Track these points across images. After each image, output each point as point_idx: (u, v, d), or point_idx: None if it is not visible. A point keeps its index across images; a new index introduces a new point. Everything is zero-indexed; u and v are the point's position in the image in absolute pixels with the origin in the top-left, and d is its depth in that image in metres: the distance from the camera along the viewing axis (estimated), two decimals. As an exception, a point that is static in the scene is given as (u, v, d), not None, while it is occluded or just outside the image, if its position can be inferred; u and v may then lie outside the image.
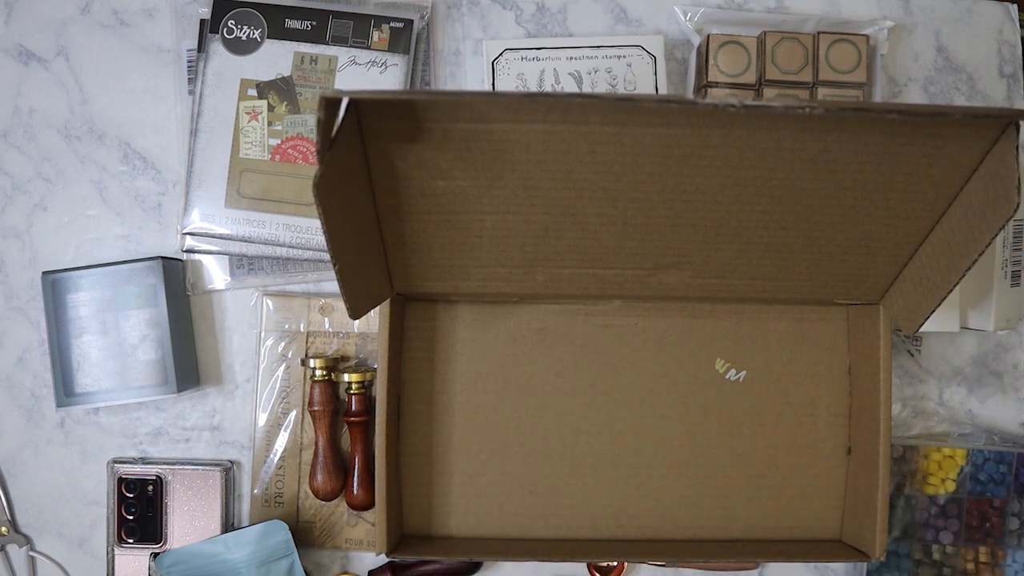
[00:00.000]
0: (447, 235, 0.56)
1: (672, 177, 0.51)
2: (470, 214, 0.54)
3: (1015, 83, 0.77)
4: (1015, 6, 0.77)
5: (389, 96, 0.47)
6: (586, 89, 0.71)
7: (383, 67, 0.70)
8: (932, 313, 0.56)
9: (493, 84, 0.71)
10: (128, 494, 0.71)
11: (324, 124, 0.41)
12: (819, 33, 0.70)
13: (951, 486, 0.72)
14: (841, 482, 0.68)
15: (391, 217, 0.54)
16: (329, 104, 0.41)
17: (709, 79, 0.70)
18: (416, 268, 0.59)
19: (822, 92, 0.70)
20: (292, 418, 0.72)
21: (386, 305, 0.61)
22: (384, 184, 0.52)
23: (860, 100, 0.71)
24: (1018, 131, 0.46)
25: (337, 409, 0.71)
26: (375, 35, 0.70)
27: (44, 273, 0.69)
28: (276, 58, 0.70)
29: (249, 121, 0.70)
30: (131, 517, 0.71)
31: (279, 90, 0.70)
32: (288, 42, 0.70)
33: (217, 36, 0.70)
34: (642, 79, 0.71)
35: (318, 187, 0.42)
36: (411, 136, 0.48)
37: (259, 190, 0.70)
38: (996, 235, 0.48)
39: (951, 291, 0.53)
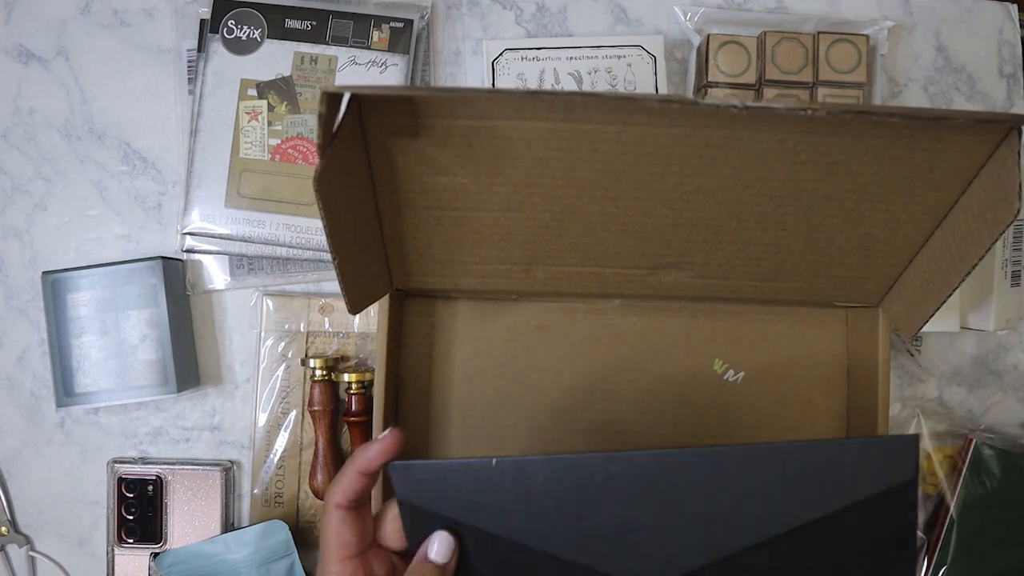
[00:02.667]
0: (447, 231, 0.56)
1: (673, 177, 0.51)
2: (470, 211, 0.54)
3: (1015, 83, 0.77)
4: (1015, 6, 0.77)
5: (390, 92, 0.47)
6: (586, 89, 0.71)
7: (383, 67, 0.70)
8: (931, 316, 0.56)
9: (493, 84, 0.71)
10: (128, 494, 0.71)
11: (326, 119, 0.41)
12: (819, 33, 0.70)
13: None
14: (841, 482, 0.67)
15: (391, 213, 0.54)
16: (331, 99, 0.41)
17: (709, 79, 0.70)
18: (416, 264, 0.59)
19: (822, 92, 0.70)
20: (292, 418, 0.72)
21: (385, 301, 0.61)
22: (385, 179, 0.52)
23: (861, 101, 0.71)
24: (1020, 136, 0.46)
25: (337, 409, 0.71)
26: (375, 35, 0.70)
27: (44, 273, 0.69)
28: (276, 58, 0.70)
29: (249, 121, 0.70)
30: (131, 517, 0.71)
31: (279, 90, 0.70)
32: (288, 42, 0.70)
33: (217, 36, 0.70)
34: (642, 79, 0.71)
35: (319, 182, 0.42)
36: (412, 132, 0.48)
37: (259, 190, 0.70)
38: (997, 239, 0.48)
39: (951, 295, 0.53)
